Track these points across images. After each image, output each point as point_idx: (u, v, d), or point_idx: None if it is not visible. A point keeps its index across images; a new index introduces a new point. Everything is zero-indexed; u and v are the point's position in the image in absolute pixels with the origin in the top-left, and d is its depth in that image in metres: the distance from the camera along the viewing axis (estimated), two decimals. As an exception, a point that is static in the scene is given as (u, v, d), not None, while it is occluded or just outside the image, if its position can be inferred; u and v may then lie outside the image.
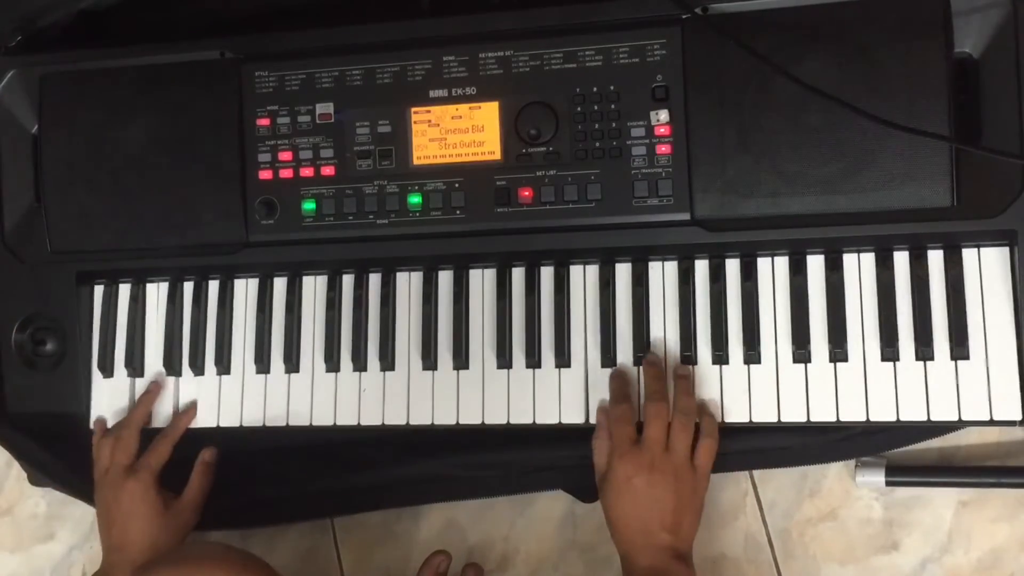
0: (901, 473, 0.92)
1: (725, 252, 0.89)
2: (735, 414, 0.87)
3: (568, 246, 0.91)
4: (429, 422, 0.93)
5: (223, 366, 0.99)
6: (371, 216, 0.94)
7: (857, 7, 0.84)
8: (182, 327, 1.00)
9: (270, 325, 0.98)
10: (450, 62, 0.92)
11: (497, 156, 0.91)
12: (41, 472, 1.07)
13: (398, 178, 0.93)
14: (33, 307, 1.02)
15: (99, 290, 1.02)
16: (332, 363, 0.96)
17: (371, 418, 0.94)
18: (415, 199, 0.93)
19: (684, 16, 0.87)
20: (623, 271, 0.91)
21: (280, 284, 0.98)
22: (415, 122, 0.93)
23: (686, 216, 0.88)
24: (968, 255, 0.85)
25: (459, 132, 0.92)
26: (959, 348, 0.83)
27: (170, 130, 0.97)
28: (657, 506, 0.83)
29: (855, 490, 0.94)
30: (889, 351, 0.85)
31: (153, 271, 1.01)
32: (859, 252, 0.87)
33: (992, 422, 0.83)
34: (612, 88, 0.89)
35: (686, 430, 0.86)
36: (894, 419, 0.84)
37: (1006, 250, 0.84)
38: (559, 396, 0.91)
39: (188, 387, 1.00)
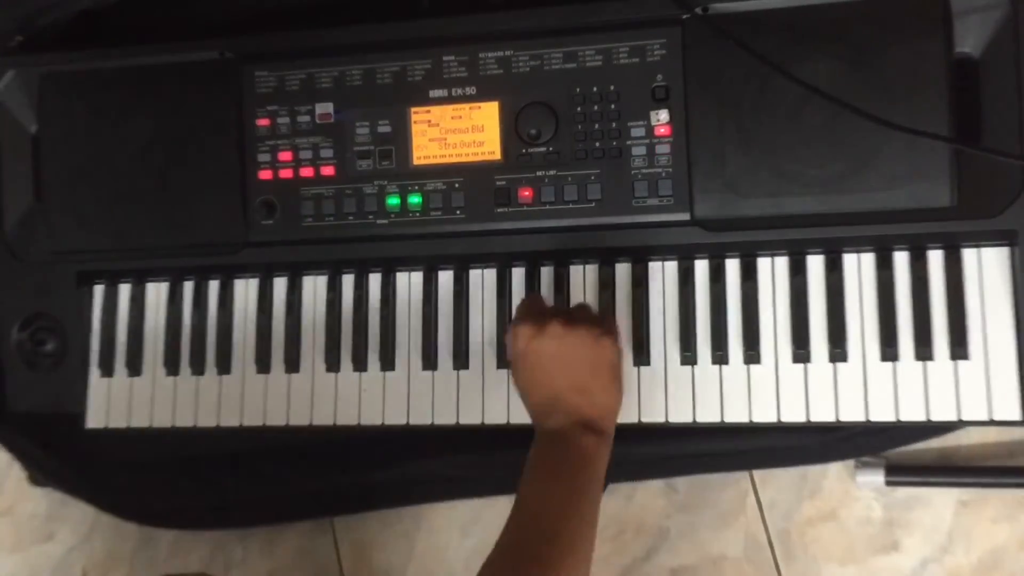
0: (901, 473, 0.92)
1: (725, 252, 0.89)
2: (735, 414, 0.87)
3: (568, 246, 0.91)
4: (429, 422, 0.93)
5: (223, 366, 0.99)
6: (371, 216, 0.94)
7: (857, 7, 0.84)
8: (182, 327, 1.00)
9: (270, 325, 0.98)
10: (450, 62, 0.92)
11: (497, 156, 0.91)
12: (41, 472, 1.07)
13: (398, 178, 0.93)
14: (33, 307, 1.02)
15: (99, 290, 1.02)
16: (332, 363, 0.96)
17: (371, 418, 0.94)
18: (415, 199, 0.93)
19: (684, 16, 0.87)
20: (623, 271, 0.91)
21: (280, 284, 0.98)
22: (415, 122, 0.93)
23: (686, 216, 0.88)
24: (968, 255, 0.85)
25: (459, 132, 0.92)
26: (959, 348, 0.83)
27: (170, 130, 0.97)
28: (563, 365, 0.79)
29: (855, 490, 0.94)
30: (889, 351, 0.85)
31: (153, 271, 1.01)
32: (859, 252, 0.87)
33: (992, 422, 0.83)
34: (612, 88, 0.89)
35: (586, 309, 0.85)
36: (894, 419, 0.84)
37: (1006, 250, 0.84)
38: (559, 396, 0.91)
39: (188, 387, 1.00)
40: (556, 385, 0.79)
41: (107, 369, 1.01)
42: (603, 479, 0.77)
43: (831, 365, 0.86)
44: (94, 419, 1.01)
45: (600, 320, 0.84)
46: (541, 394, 0.80)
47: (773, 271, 0.88)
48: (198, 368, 0.99)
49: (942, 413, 0.83)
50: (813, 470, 0.95)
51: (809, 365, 0.86)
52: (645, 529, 0.99)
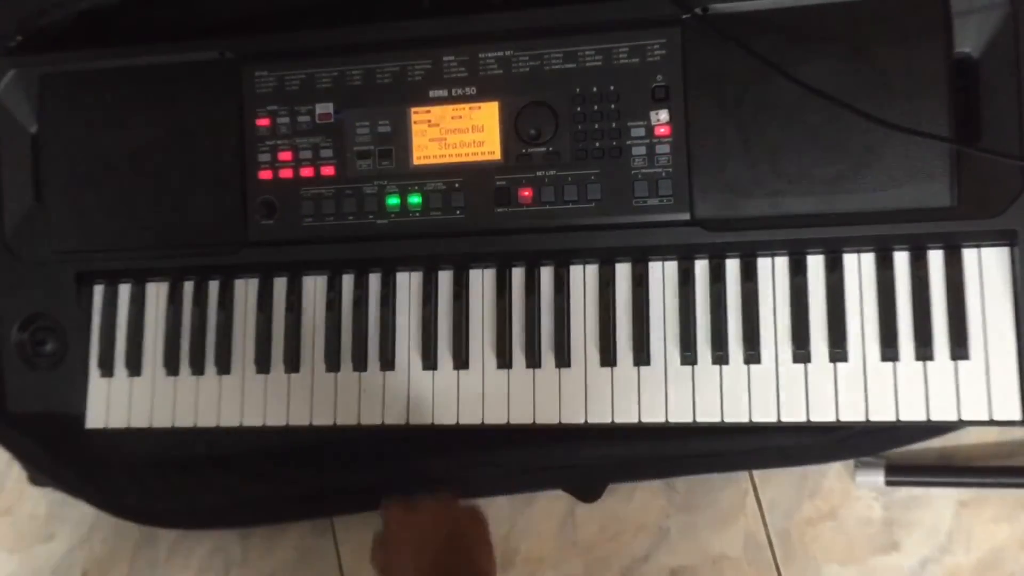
0: (901, 473, 0.92)
1: (725, 252, 0.89)
2: (736, 414, 0.87)
3: (568, 246, 0.91)
4: (429, 422, 0.93)
5: (223, 366, 0.98)
6: (371, 216, 0.94)
7: (857, 7, 0.84)
8: (182, 327, 1.00)
9: (270, 325, 0.98)
10: (450, 62, 0.92)
11: (497, 156, 0.91)
12: (41, 472, 1.07)
13: (398, 178, 0.93)
14: (33, 307, 1.02)
15: (99, 290, 1.02)
16: (332, 363, 0.96)
17: (371, 418, 0.94)
18: (415, 199, 0.93)
19: (684, 16, 0.87)
20: (623, 271, 0.91)
21: (280, 284, 0.98)
22: (415, 122, 0.93)
23: (686, 216, 0.88)
24: (968, 255, 0.85)
25: (459, 132, 0.92)
26: (959, 348, 0.83)
27: (170, 130, 0.97)
28: (445, 534, 0.82)
29: (855, 490, 0.94)
30: (889, 351, 0.85)
31: (153, 271, 1.01)
32: (859, 252, 0.87)
33: (992, 422, 0.83)
34: (612, 88, 0.89)
35: (445, 492, 0.87)
36: (894, 419, 0.84)
37: (1006, 250, 0.84)
38: (559, 396, 0.91)
39: (188, 387, 1.00)
40: (439, 554, 0.81)
41: (107, 369, 1.01)
42: None
43: (831, 365, 0.86)
44: (94, 419, 1.01)
45: (466, 501, 0.87)
46: (427, 567, 0.80)
47: (773, 271, 0.88)
48: (198, 368, 0.99)
49: (942, 413, 0.83)
50: (813, 470, 0.95)
51: (809, 365, 0.86)
52: (645, 529, 1.00)
